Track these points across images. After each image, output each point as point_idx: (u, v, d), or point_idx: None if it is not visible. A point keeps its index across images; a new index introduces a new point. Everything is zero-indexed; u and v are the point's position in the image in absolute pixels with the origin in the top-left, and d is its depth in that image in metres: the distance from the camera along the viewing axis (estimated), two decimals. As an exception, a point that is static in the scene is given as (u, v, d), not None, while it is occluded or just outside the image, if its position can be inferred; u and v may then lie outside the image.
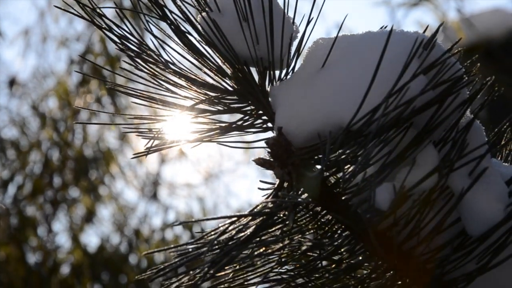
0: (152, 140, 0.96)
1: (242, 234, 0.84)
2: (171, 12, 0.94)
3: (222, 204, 6.00)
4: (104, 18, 0.94)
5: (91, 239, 8.23)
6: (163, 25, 0.97)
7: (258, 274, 0.91)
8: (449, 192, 0.83)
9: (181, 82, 0.96)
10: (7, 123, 5.20)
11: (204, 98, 0.96)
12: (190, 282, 0.85)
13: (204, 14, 0.93)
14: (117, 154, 5.22)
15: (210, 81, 0.97)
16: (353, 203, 0.84)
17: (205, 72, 0.97)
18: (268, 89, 0.94)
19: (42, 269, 4.70)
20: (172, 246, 0.87)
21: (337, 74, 0.85)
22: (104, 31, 0.95)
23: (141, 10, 0.95)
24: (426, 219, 0.82)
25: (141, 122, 0.99)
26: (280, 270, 0.92)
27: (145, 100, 0.98)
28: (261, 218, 0.85)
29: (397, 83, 0.76)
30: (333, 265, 0.90)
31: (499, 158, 0.95)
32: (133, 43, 0.95)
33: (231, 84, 0.96)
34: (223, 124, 0.97)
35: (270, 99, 0.92)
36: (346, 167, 0.85)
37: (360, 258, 0.89)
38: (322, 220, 0.91)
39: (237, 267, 0.91)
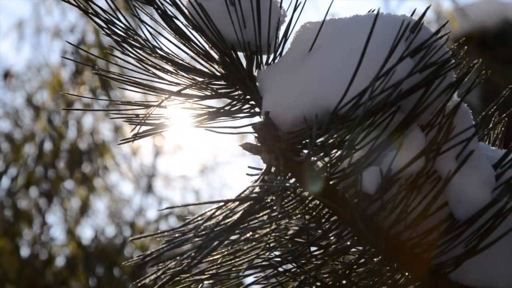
0: (139, 126, 0.95)
1: (229, 219, 0.83)
2: (157, -4, 0.93)
3: (217, 196, 6.00)
4: (90, 2, 0.93)
5: (85, 231, 8.22)
6: (151, 10, 0.97)
7: (245, 259, 0.90)
8: (437, 176, 0.82)
9: (168, 67, 0.96)
10: (1, 116, 5.18)
11: (191, 83, 0.95)
12: (177, 268, 0.85)
13: (191, -2, 0.92)
14: (112, 146, 5.20)
15: (198, 66, 0.96)
16: (340, 188, 0.84)
17: (192, 57, 0.96)
18: (255, 73, 0.93)
19: (36, 261, 4.69)
20: (158, 232, 0.87)
21: (324, 58, 0.84)
22: (91, 16, 0.94)
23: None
24: (413, 204, 0.82)
25: (128, 108, 0.98)
26: (268, 256, 0.92)
27: (133, 86, 0.97)
28: (248, 203, 0.84)
29: (383, 66, 0.76)
30: (321, 250, 0.90)
31: (486, 142, 0.95)
32: (120, 28, 0.95)
33: (218, 69, 0.95)
34: (211, 110, 0.97)
35: (257, 83, 0.92)
36: (333, 151, 0.85)
37: (348, 243, 0.88)
38: (310, 205, 0.90)
39: (225, 252, 0.90)
